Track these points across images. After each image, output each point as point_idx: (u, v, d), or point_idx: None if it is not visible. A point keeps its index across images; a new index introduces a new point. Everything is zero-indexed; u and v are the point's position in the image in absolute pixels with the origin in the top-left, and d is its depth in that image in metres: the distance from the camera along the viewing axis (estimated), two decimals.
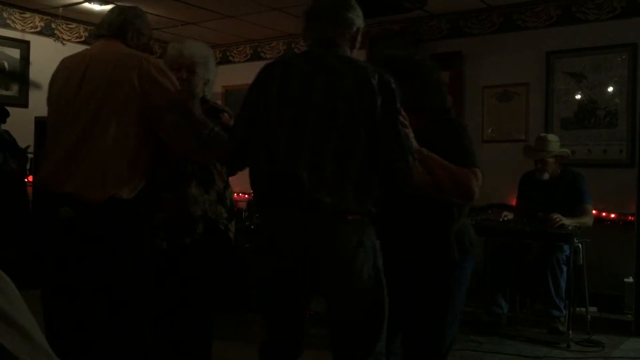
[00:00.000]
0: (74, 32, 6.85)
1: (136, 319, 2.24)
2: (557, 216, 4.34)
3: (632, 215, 4.83)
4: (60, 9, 6.30)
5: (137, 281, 2.24)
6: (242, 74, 7.79)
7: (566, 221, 4.34)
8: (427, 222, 2.18)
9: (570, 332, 4.19)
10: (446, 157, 2.07)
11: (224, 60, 7.95)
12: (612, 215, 5.19)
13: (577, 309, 4.48)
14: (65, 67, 2.39)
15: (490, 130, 5.95)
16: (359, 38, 2.12)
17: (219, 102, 7.69)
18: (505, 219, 4.79)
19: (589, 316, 4.40)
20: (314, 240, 1.91)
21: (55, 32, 6.60)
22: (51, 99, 2.38)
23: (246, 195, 7.03)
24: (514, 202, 5.25)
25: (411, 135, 2.00)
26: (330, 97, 1.93)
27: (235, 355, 3.99)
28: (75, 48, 6.83)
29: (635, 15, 5.25)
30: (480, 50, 5.97)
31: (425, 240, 2.18)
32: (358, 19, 2.09)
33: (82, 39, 6.92)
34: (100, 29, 2.34)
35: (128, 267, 2.19)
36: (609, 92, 5.38)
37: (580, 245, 4.42)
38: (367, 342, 1.98)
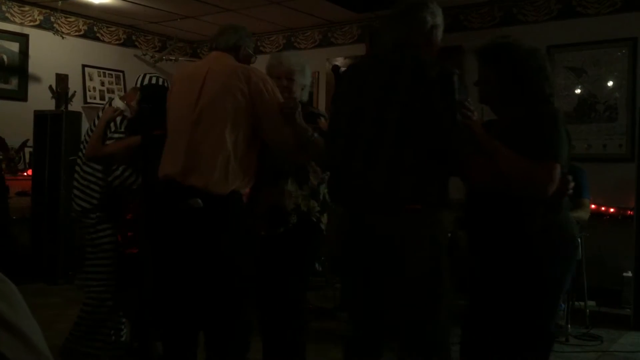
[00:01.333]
0: (73, 25, 6.83)
1: (245, 296, 2.57)
2: None
3: (631, 209, 4.84)
4: (60, 2, 6.27)
5: (249, 262, 2.57)
6: None
7: None
8: (507, 216, 2.11)
9: (569, 326, 4.20)
10: (526, 148, 2.03)
11: None
12: (612, 210, 5.19)
13: (576, 303, 4.48)
14: (186, 76, 2.70)
15: None
16: (436, 33, 2.20)
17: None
18: None
19: (587, 310, 4.41)
20: (371, 232, 2.04)
21: (55, 25, 6.58)
22: (171, 103, 2.67)
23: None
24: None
25: (476, 126, 2.05)
26: (388, 92, 2.04)
27: None
28: (75, 41, 6.82)
29: (635, 10, 5.23)
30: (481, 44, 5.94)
31: (506, 236, 2.12)
32: (432, 17, 2.18)
33: (82, 32, 6.91)
34: (216, 43, 2.70)
35: (246, 249, 2.53)
36: (609, 87, 5.37)
37: (579, 239, 4.41)
38: (416, 338, 2.05)
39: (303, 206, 2.75)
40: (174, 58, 7.62)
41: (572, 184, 2.14)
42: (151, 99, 3.16)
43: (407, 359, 2.10)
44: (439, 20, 2.21)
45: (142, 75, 3.44)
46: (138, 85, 3.37)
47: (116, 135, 3.19)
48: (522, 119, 2.12)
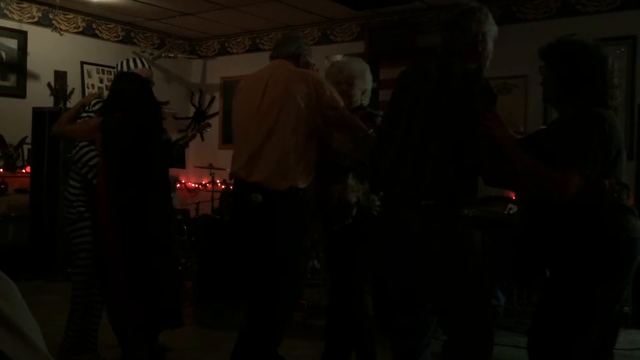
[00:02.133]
0: (72, 22, 6.82)
1: (290, 291, 2.88)
2: None
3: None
4: None
5: (300, 256, 2.86)
6: (240, 65, 7.76)
7: None
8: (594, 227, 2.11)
9: None
10: (557, 152, 2.08)
11: (222, 52, 7.92)
12: None
13: None
14: (250, 82, 3.00)
15: None
16: (482, 40, 2.31)
17: (217, 94, 7.68)
18: (511, 211, 4.79)
19: None
20: (392, 225, 2.31)
21: (53, 22, 6.57)
22: (237, 108, 2.97)
23: None
24: (513, 195, 5.25)
25: (498, 133, 2.12)
26: (416, 100, 2.25)
27: (226, 345, 4.00)
28: (73, 38, 6.81)
29: (634, 8, 5.24)
30: None
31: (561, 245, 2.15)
32: (478, 25, 2.30)
33: (80, 29, 6.90)
34: (277, 52, 3.00)
35: (299, 243, 2.81)
36: None
37: None
38: (453, 324, 2.21)
39: (364, 200, 2.90)
40: (172, 55, 7.61)
41: (616, 189, 2.12)
42: (124, 83, 3.29)
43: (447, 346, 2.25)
44: (487, 27, 2.32)
45: (121, 60, 3.56)
46: (117, 70, 3.54)
47: (84, 115, 3.32)
48: (567, 120, 2.16)
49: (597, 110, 2.13)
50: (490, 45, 2.35)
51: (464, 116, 2.14)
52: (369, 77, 3.13)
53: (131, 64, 3.48)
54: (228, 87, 7.85)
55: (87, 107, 3.34)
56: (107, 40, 7.17)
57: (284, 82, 2.78)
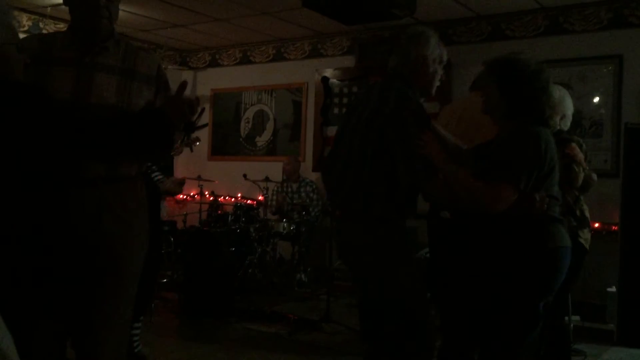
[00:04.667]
0: None
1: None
2: None
3: (615, 225, 4.87)
4: (49, 8, 6.26)
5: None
6: (231, 77, 7.78)
7: None
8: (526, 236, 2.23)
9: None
10: (494, 166, 2.21)
11: (213, 64, 7.93)
12: (596, 225, 5.21)
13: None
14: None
15: (477, 141, 5.97)
16: (423, 63, 2.45)
17: (207, 106, 7.67)
18: None
19: (571, 325, 4.42)
20: (339, 234, 2.57)
21: (43, 31, 6.54)
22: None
23: (232, 199, 7.02)
24: None
25: (431, 152, 2.27)
26: (358, 122, 2.43)
27: (212, 358, 3.97)
28: None
29: (621, 27, 5.31)
30: (468, 59, 5.98)
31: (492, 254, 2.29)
32: (417, 48, 2.45)
33: None
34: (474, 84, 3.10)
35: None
36: (595, 103, 5.43)
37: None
38: (388, 330, 2.36)
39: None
40: (163, 66, 7.61)
41: (546, 201, 2.22)
42: None
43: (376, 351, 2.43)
44: (429, 50, 2.45)
45: None
46: None
47: None
48: (508, 137, 2.27)
49: (536, 129, 2.24)
50: (432, 69, 2.46)
51: (394, 138, 2.31)
52: (567, 102, 3.18)
53: None
54: (218, 98, 7.86)
55: None
56: None
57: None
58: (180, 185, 4.31)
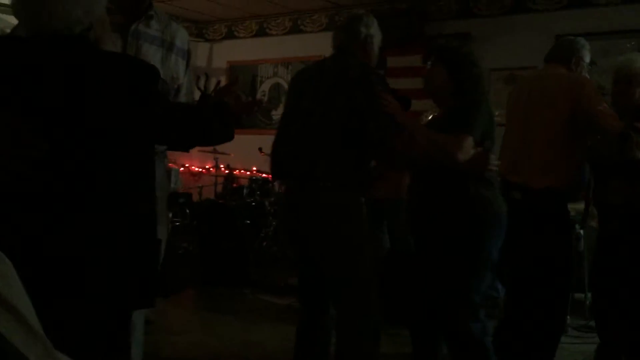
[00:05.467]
0: None
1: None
2: None
3: None
4: None
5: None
6: (247, 49, 7.73)
7: None
8: (444, 190, 2.48)
9: (569, 317, 4.19)
10: (449, 128, 2.42)
11: (229, 35, 7.88)
12: None
13: (576, 294, 4.47)
14: (520, 84, 3.26)
15: (496, 114, 5.89)
16: (370, 42, 2.60)
17: (223, 78, 7.64)
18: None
19: (587, 302, 4.41)
20: (294, 204, 2.47)
21: None
22: (509, 109, 3.23)
23: (248, 173, 7.03)
24: None
25: (394, 109, 2.40)
26: (316, 88, 2.48)
27: (224, 329, 4.01)
28: None
29: None
30: (489, 32, 5.89)
31: (442, 210, 2.47)
32: (367, 29, 2.59)
33: None
34: (550, 56, 3.15)
35: (564, 244, 2.95)
36: None
37: (581, 231, 4.40)
38: (343, 296, 2.38)
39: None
40: None
41: (496, 161, 2.51)
42: None
43: (340, 325, 2.43)
44: (373, 31, 2.61)
45: None
46: None
47: None
48: (455, 107, 2.53)
49: (479, 99, 2.56)
50: (375, 49, 2.64)
51: (363, 98, 2.38)
52: None
53: None
54: (234, 71, 7.82)
55: None
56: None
57: (553, 84, 2.96)
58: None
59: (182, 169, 7.56)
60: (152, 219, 1.63)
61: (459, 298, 2.44)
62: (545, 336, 2.99)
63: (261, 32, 7.57)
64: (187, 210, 6.12)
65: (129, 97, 1.52)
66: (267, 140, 8.25)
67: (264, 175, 6.67)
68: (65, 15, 1.48)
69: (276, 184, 6.43)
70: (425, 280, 2.56)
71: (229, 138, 1.87)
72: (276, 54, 7.37)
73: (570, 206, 4.36)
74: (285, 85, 7.35)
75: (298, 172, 2.44)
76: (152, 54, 2.09)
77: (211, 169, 7.21)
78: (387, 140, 2.42)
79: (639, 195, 2.80)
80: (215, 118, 1.75)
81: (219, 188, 6.57)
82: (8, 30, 2.13)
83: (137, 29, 2.08)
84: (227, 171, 6.74)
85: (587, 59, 3.12)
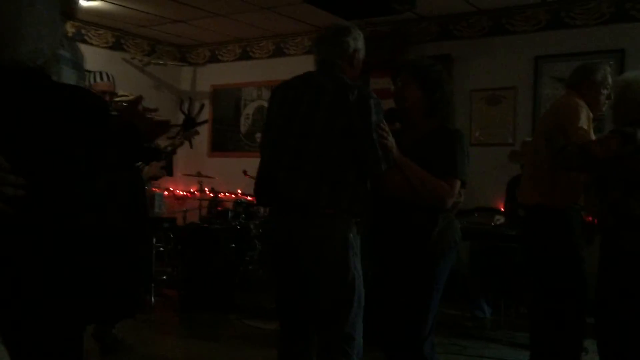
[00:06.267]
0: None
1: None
2: None
3: None
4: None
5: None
6: (231, 73, 7.75)
7: None
8: (414, 223, 2.45)
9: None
10: (435, 163, 2.39)
11: (213, 59, 7.90)
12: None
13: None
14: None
15: (477, 134, 5.96)
16: (357, 57, 2.48)
17: (207, 102, 7.65)
18: (497, 222, 4.79)
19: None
20: (292, 231, 2.32)
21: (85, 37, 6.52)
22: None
23: (232, 196, 7.00)
24: (501, 206, 5.26)
25: (391, 145, 2.32)
26: (312, 109, 2.32)
27: (208, 355, 3.96)
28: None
29: (623, 21, 5.28)
30: (469, 53, 5.98)
31: (411, 239, 2.45)
32: (355, 42, 2.46)
33: (69, 34, 6.84)
34: (566, 82, 3.29)
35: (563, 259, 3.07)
36: None
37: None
38: (333, 323, 2.31)
39: None
40: (162, 62, 7.58)
41: (462, 197, 2.53)
42: None
43: (325, 349, 2.35)
44: (360, 44, 2.49)
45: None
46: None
47: None
48: (433, 134, 2.48)
49: (458, 130, 2.55)
50: (361, 63, 2.52)
51: (361, 127, 2.27)
52: None
53: (96, 78, 3.69)
54: (218, 94, 7.83)
55: None
56: (97, 46, 7.12)
57: (554, 111, 3.19)
58: (162, 169, 4.20)
59: (166, 193, 7.51)
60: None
61: (416, 318, 2.47)
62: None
63: (245, 56, 7.60)
64: (171, 235, 6.07)
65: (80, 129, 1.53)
66: (251, 163, 8.23)
67: (248, 197, 6.65)
68: (32, 49, 1.49)
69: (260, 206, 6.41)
70: (384, 301, 2.57)
71: (142, 159, 1.86)
72: (260, 77, 7.39)
73: None
74: None
75: (297, 198, 2.29)
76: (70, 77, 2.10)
77: (196, 192, 7.17)
78: (380, 173, 2.33)
79: (634, 207, 2.84)
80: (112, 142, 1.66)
81: (204, 211, 6.53)
82: None
83: (58, 53, 2.07)
84: (211, 194, 6.71)
85: (604, 80, 3.23)
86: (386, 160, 2.31)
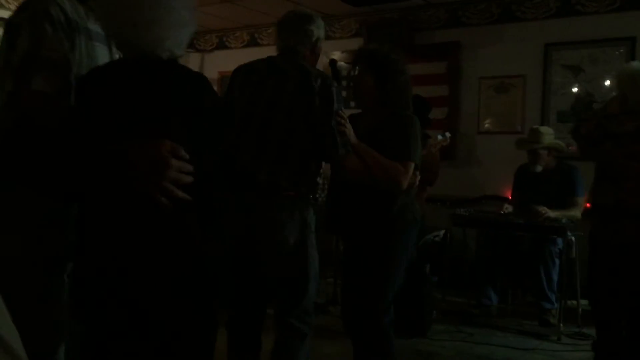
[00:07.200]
0: None
1: None
2: (542, 208, 4.36)
3: None
4: None
5: None
6: (238, 60, 7.66)
7: (551, 214, 4.36)
8: (373, 202, 2.60)
9: (561, 324, 4.21)
10: (389, 148, 2.52)
11: (221, 46, 7.89)
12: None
13: (569, 301, 4.49)
14: None
15: (486, 122, 5.93)
16: (319, 45, 2.55)
17: (215, 89, 7.64)
18: (506, 211, 4.78)
19: (580, 309, 4.42)
20: (252, 213, 2.38)
21: None
22: None
23: None
24: (509, 194, 5.25)
25: (349, 131, 2.41)
26: (276, 96, 2.39)
27: None
28: None
29: (634, 9, 5.22)
30: (478, 40, 5.93)
31: (371, 217, 2.61)
32: (318, 30, 2.52)
33: None
34: None
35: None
36: (606, 86, 5.36)
37: (573, 238, 4.42)
38: (294, 298, 2.44)
39: None
40: None
41: (418, 177, 2.68)
42: None
43: (284, 326, 2.46)
44: (322, 33, 2.55)
45: None
46: None
47: None
48: (387, 120, 2.60)
49: (412, 115, 2.63)
50: (320, 52, 2.58)
51: (322, 113, 2.35)
52: None
53: None
54: (225, 81, 7.80)
55: None
56: None
57: None
58: None
59: None
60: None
61: (375, 290, 2.60)
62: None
63: (253, 43, 7.58)
64: None
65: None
66: None
67: None
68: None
69: None
70: (345, 275, 2.76)
71: None
72: None
73: (562, 213, 4.44)
74: None
75: (260, 180, 2.36)
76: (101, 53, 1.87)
77: None
78: (338, 158, 2.42)
79: (626, 196, 2.85)
80: None
81: None
82: None
83: (87, 27, 1.82)
84: None
85: None
86: (344, 146, 2.39)
